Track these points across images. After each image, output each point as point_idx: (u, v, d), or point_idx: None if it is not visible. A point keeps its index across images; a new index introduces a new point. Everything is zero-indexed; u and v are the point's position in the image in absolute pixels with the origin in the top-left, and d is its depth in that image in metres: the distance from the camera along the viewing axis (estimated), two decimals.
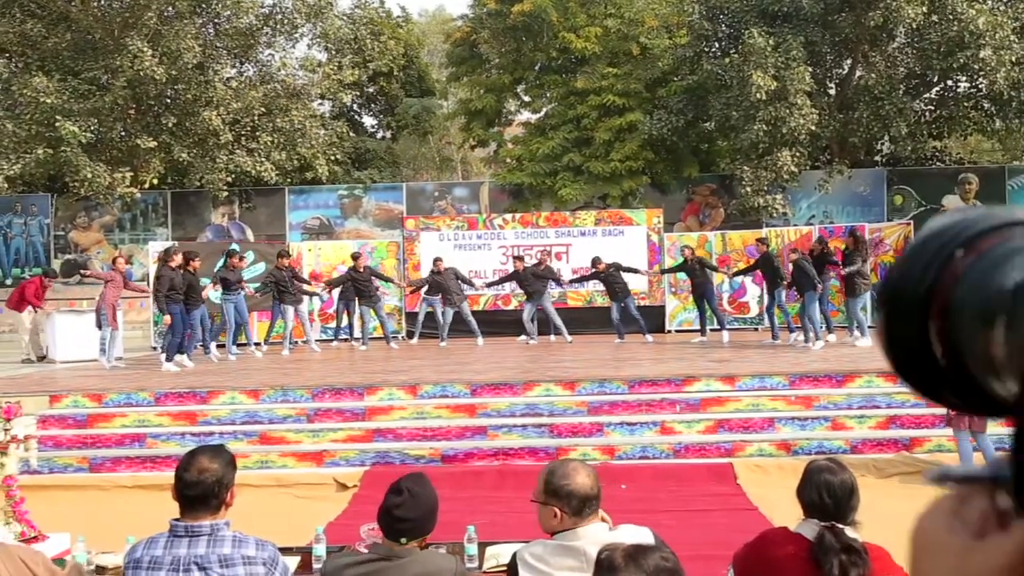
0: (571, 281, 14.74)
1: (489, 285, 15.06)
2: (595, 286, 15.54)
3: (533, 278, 14.05)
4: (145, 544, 2.55)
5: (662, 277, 15.40)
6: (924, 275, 0.37)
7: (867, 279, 12.26)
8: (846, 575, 2.47)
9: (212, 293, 12.87)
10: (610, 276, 13.85)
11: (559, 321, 14.11)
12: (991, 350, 0.35)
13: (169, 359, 11.25)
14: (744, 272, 13.99)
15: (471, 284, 14.90)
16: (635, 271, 14.64)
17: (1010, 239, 0.36)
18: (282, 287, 13.23)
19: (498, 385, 8.98)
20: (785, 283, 12.42)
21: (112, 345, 12.03)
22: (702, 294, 13.76)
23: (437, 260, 14.41)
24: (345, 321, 14.72)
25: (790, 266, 12.37)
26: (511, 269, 14.66)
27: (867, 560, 2.50)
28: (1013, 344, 0.34)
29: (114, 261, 12.40)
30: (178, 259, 11.51)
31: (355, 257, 14.19)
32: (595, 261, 14.03)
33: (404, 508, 2.60)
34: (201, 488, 2.51)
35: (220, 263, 12.95)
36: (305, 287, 14.04)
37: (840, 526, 2.59)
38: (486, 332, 14.33)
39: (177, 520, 2.54)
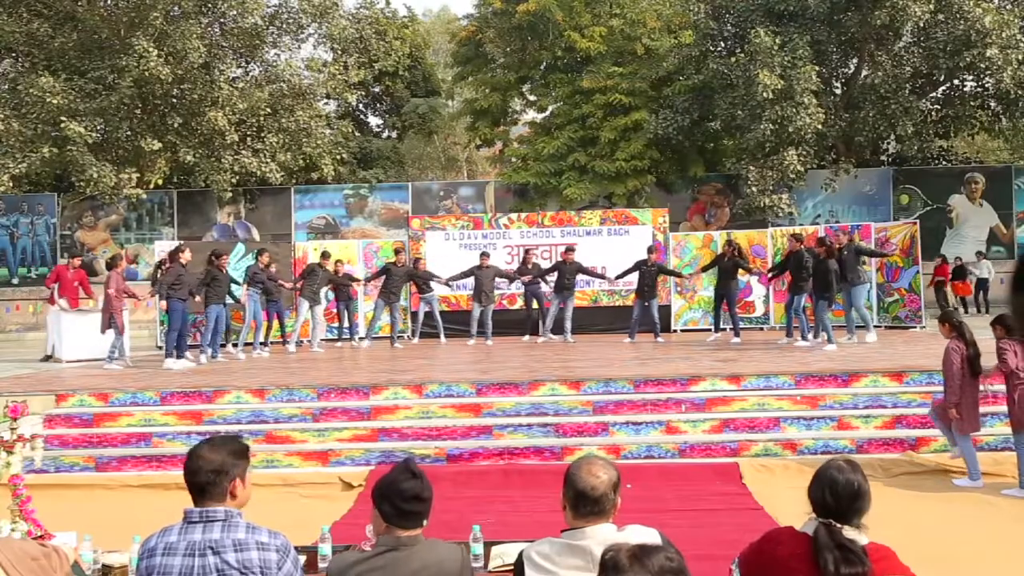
0: (617, 277, 14.44)
1: (538, 276, 14.53)
2: (601, 284, 15.48)
3: (575, 273, 14.02)
4: (159, 533, 2.57)
5: (668, 277, 15.31)
6: None
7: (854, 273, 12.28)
8: (839, 572, 2.47)
9: (238, 290, 13.19)
10: (651, 273, 13.72)
11: (570, 322, 14.04)
12: None
13: (168, 354, 11.33)
14: (776, 270, 13.65)
15: (518, 279, 14.78)
16: (679, 275, 14.71)
17: None
18: (315, 284, 13.61)
19: (503, 385, 8.97)
20: (808, 277, 12.16)
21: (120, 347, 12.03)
22: (723, 295, 13.51)
23: (484, 255, 14.46)
24: (347, 322, 14.78)
25: (806, 256, 12.26)
26: (523, 266, 14.55)
27: (864, 560, 2.49)
28: None
29: (110, 262, 12.19)
30: (187, 256, 11.62)
31: (397, 251, 14.47)
32: (651, 249, 13.95)
33: (426, 490, 2.62)
34: (201, 476, 2.54)
35: (252, 260, 13.29)
36: (342, 281, 14.49)
37: (838, 525, 2.59)
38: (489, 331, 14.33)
39: (191, 508, 2.57)
